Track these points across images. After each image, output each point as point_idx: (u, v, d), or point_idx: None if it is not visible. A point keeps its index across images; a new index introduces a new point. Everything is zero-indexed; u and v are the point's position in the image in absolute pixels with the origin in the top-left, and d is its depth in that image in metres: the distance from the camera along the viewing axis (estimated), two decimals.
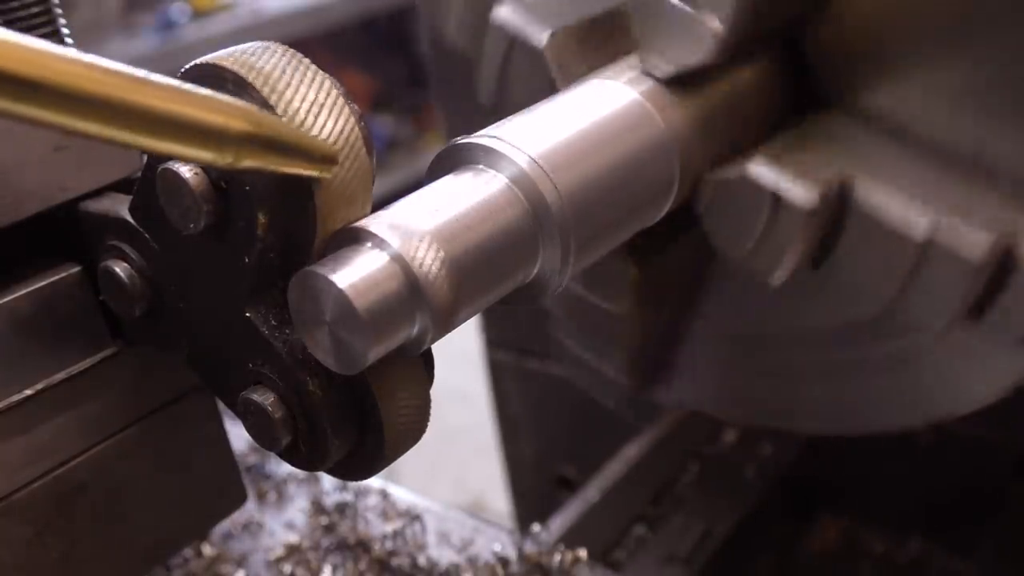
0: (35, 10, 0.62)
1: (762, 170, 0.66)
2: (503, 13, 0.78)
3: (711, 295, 0.83)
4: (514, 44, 0.77)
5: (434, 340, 0.51)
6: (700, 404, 0.93)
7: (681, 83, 0.67)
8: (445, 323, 0.50)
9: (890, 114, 0.68)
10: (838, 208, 0.66)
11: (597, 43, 0.73)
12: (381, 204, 0.52)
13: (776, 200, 0.65)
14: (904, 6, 0.66)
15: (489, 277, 0.53)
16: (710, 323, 0.85)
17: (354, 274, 0.46)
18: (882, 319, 0.70)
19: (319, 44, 4.06)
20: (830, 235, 0.67)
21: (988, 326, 0.66)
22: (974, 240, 0.62)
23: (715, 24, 0.64)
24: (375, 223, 0.49)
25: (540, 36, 0.74)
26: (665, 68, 0.66)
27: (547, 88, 0.73)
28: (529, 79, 0.75)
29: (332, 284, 0.46)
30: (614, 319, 0.81)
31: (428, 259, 0.48)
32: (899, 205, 0.64)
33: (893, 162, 0.67)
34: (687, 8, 0.65)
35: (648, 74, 0.67)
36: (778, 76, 0.73)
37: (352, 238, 0.49)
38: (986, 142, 0.64)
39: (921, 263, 0.64)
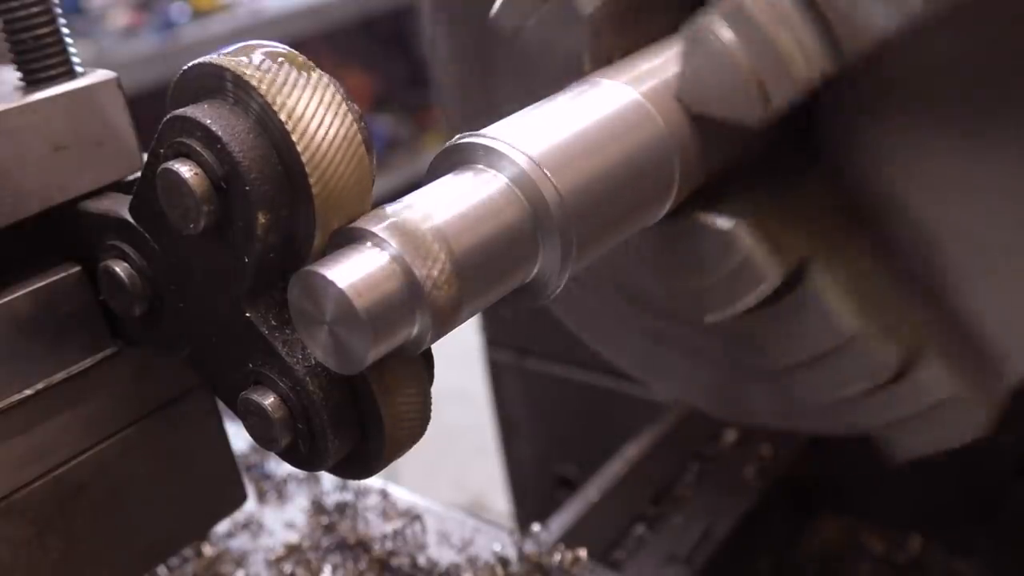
0: (35, 10, 0.62)
1: (743, 235, 0.70)
2: None
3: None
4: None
5: (434, 340, 0.51)
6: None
7: None
8: (445, 323, 0.50)
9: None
10: (789, 281, 0.72)
11: (636, 18, 0.73)
12: (381, 204, 0.52)
13: (746, 263, 0.70)
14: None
15: (489, 277, 0.53)
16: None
17: (354, 274, 0.46)
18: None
19: (319, 44, 4.06)
20: (768, 298, 0.73)
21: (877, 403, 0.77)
22: (888, 352, 0.72)
23: None
24: (375, 223, 0.49)
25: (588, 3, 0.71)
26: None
27: (570, 58, 0.72)
28: (564, 45, 0.73)
29: (332, 284, 0.46)
30: None
31: (428, 259, 0.48)
32: (840, 301, 0.72)
33: (850, 248, 0.74)
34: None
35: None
36: None
37: (352, 238, 0.49)
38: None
39: (838, 348, 0.74)
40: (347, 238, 0.49)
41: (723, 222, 0.71)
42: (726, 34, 0.63)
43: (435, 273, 0.48)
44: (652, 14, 0.74)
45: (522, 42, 0.77)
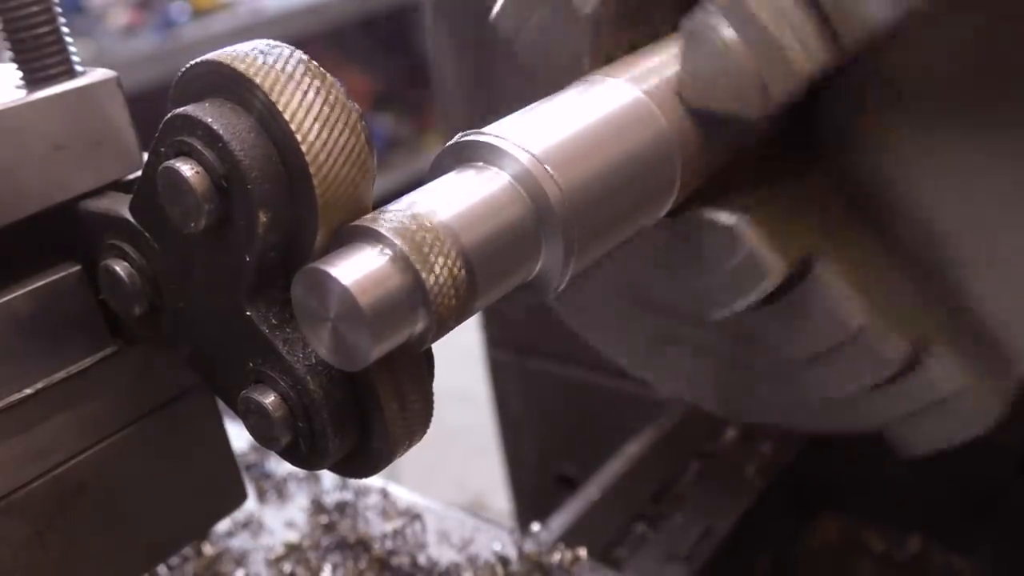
0: (35, 9, 0.62)
1: (747, 230, 0.70)
2: None
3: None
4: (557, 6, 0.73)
5: (437, 338, 0.51)
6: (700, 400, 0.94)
7: None
8: (448, 321, 0.50)
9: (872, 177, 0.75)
10: (795, 275, 0.72)
11: (635, 17, 0.72)
12: (381, 204, 0.52)
13: (750, 259, 0.70)
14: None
15: (492, 275, 0.53)
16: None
17: (358, 271, 0.46)
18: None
19: (319, 43, 4.06)
20: (775, 294, 0.72)
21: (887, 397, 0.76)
22: (895, 344, 0.72)
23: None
24: (379, 221, 0.49)
25: (586, 2, 0.71)
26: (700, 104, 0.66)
27: (573, 61, 0.72)
28: (564, 45, 0.72)
29: (336, 281, 0.46)
30: None
31: (431, 256, 0.48)
32: (846, 294, 0.72)
33: (855, 243, 0.75)
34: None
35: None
36: None
37: (356, 236, 0.49)
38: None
39: (845, 342, 0.73)
40: (351, 236, 0.49)
41: (726, 218, 0.70)
42: (725, 29, 0.63)
43: (438, 271, 0.48)
44: (651, 12, 0.74)
45: (522, 42, 0.77)
